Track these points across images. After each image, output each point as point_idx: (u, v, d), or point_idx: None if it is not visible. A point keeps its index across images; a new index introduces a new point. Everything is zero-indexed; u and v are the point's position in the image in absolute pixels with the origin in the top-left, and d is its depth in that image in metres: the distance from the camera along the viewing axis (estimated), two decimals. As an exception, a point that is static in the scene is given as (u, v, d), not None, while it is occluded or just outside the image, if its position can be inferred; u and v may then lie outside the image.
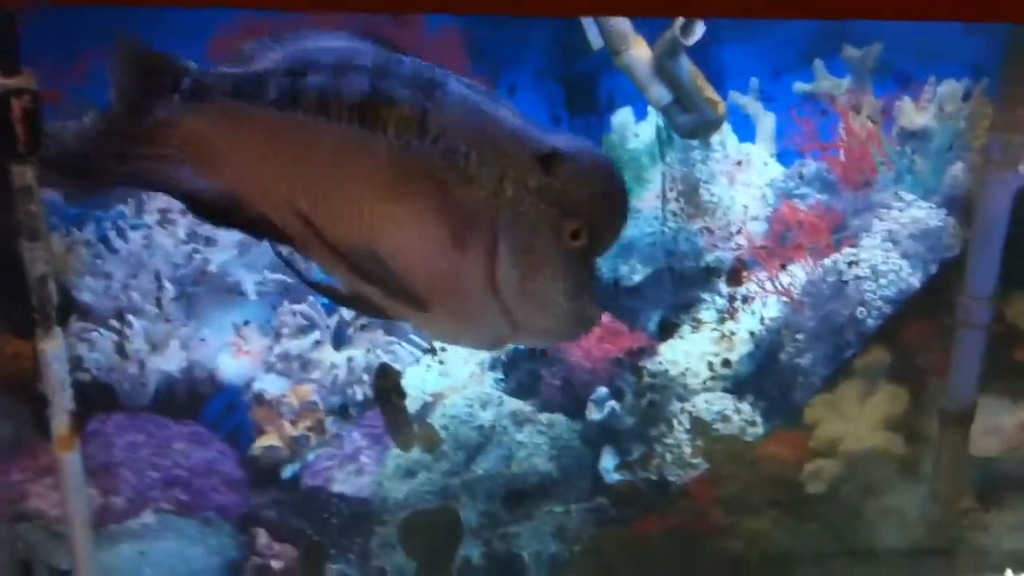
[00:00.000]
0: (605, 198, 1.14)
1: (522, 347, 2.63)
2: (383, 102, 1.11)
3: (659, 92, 2.42)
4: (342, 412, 2.58)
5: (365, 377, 2.54)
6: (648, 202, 2.60)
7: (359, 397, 2.58)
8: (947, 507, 2.80)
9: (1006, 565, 2.74)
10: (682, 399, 2.70)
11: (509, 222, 1.11)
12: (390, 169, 1.11)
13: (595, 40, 2.42)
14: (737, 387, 2.73)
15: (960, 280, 2.59)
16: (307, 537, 2.58)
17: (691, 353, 2.70)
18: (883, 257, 2.59)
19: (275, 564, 2.54)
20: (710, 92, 2.46)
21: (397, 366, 2.48)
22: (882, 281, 2.61)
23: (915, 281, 2.63)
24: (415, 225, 1.12)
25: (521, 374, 2.69)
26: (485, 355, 2.66)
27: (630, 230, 2.60)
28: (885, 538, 2.83)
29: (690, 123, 2.48)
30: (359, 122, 1.11)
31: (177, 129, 1.13)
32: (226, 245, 2.57)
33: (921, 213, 2.59)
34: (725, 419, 2.71)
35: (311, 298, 2.55)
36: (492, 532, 2.67)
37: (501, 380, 2.68)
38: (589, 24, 2.42)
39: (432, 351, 2.60)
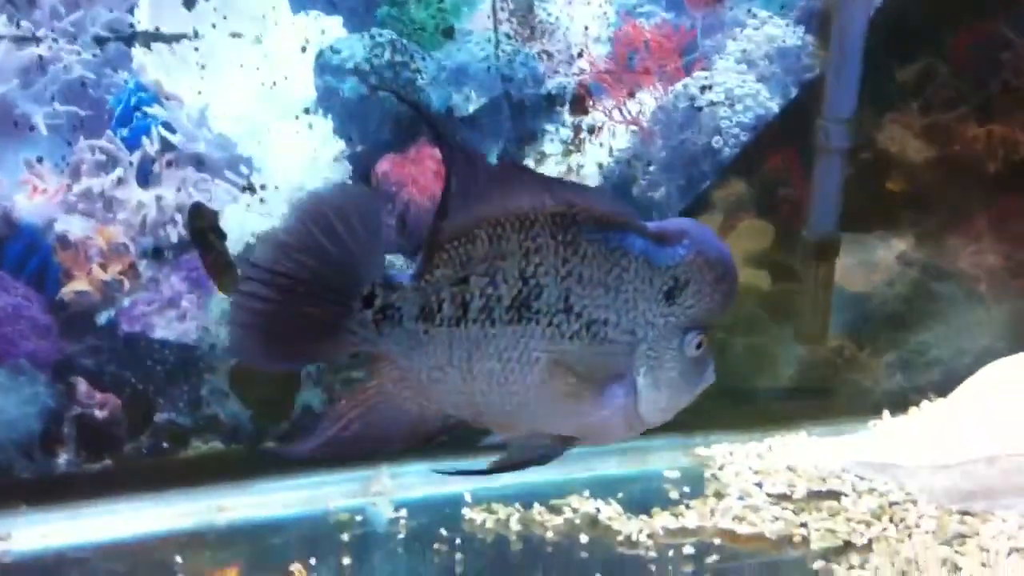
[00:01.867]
0: (724, 299, 1.21)
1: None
2: (535, 296, 1.17)
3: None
4: (156, 255, 2.42)
5: (178, 218, 2.38)
6: (479, 23, 2.40)
7: (173, 239, 2.42)
8: (814, 345, 2.70)
9: (885, 406, 2.67)
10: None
11: (644, 362, 1.21)
12: (545, 355, 1.18)
13: None
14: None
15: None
16: (131, 386, 2.47)
17: (535, 187, 2.52)
18: (738, 80, 2.41)
19: (98, 414, 2.43)
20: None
21: (213, 205, 2.32)
22: (738, 107, 2.44)
23: (774, 106, 2.46)
24: (566, 394, 1.19)
25: (351, 212, 2.51)
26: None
27: (462, 55, 2.40)
28: (755, 379, 2.73)
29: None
30: (516, 321, 1.17)
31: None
32: (6, 74, 2.36)
33: (777, 31, 2.41)
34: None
35: (109, 132, 2.37)
36: (334, 377, 2.56)
37: (331, 219, 2.50)
38: None
39: (251, 189, 2.43)
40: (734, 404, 2.68)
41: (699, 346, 1.21)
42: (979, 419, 2.31)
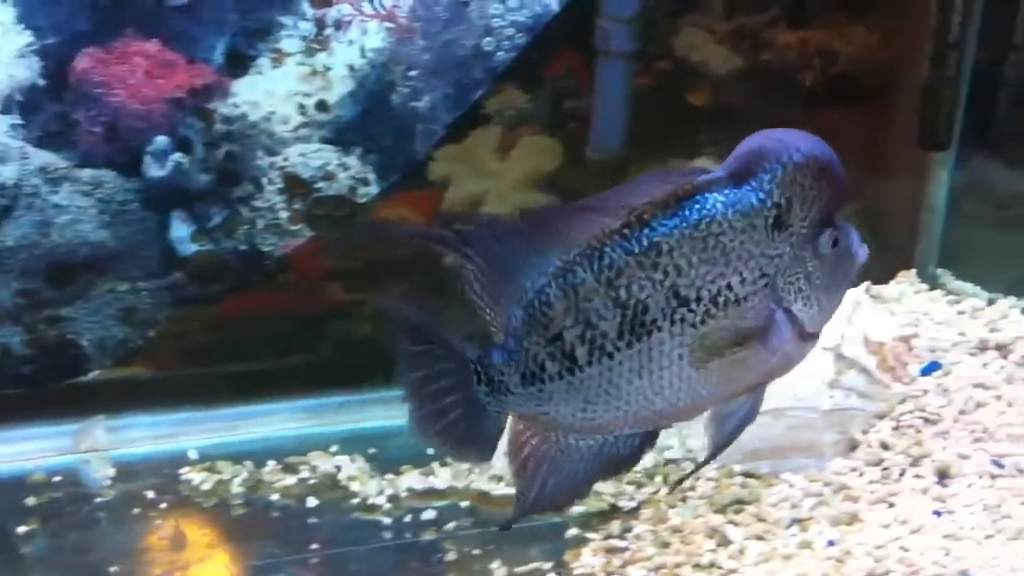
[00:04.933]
0: (834, 188, 1.15)
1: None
2: (641, 313, 1.15)
3: None
4: None
5: None
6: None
7: None
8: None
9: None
10: (270, 151, 2.19)
11: (788, 290, 1.17)
12: (687, 349, 1.16)
13: None
14: (340, 136, 2.23)
15: (600, 0, 2.11)
16: None
17: (274, 93, 2.17)
18: (508, -29, 2.07)
19: None
20: None
21: None
22: (511, 2, 2.10)
23: (553, 2, 2.12)
24: (732, 363, 1.18)
25: (47, 119, 2.12)
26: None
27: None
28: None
29: None
30: (637, 342, 1.16)
31: None
32: None
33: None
34: (329, 176, 2.23)
35: None
36: (35, 315, 2.19)
37: (19, 126, 2.12)
38: None
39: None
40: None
41: (835, 242, 1.17)
42: None
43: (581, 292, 1.14)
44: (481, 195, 2.31)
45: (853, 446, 1.97)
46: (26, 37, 2.05)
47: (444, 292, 2.34)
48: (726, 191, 1.14)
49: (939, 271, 2.52)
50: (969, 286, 2.48)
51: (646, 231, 1.13)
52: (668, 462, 2.03)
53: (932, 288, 2.45)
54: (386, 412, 2.25)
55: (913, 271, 2.48)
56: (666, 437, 2.10)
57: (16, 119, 2.10)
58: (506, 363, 1.17)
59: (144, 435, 2.21)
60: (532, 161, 2.31)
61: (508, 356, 1.17)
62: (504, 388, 1.18)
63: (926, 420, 2.00)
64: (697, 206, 1.14)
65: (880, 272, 2.40)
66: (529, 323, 1.16)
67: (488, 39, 2.12)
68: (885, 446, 1.96)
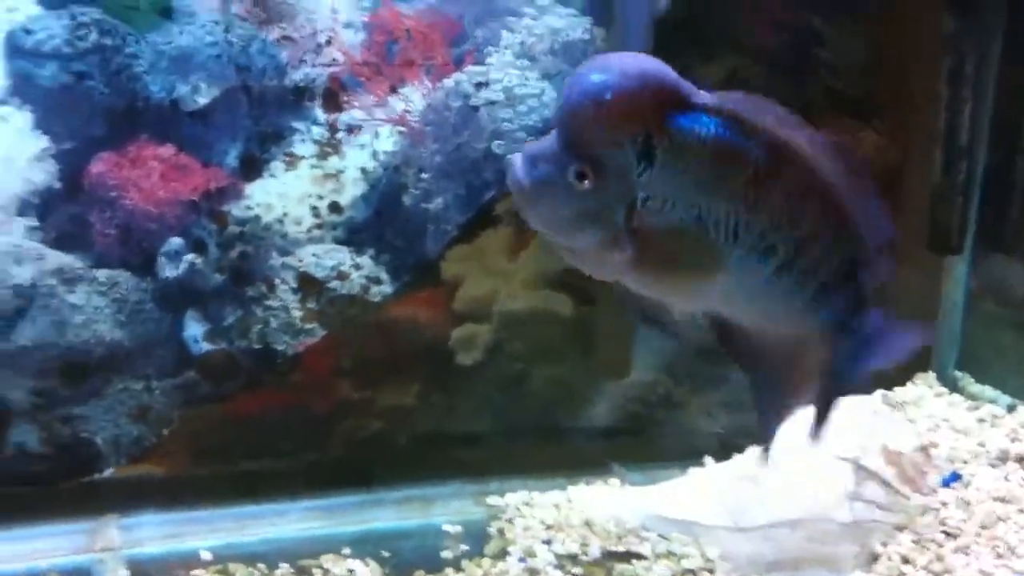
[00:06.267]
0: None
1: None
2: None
3: None
4: None
5: None
6: (205, 2, 2.03)
7: None
8: (619, 378, 2.38)
9: (706, 450, 2.33)
10: (284, 252, 2.20)
11: None
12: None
13: None
14: (353, 237, 2.24)
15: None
16: None
17: (288, 195, 2.19)
18: (519, 78, 2.07)
19: None
20: None
21: None
22: (521, 107, 2.12)
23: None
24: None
25: (63, 220, 2.15)
26: (9, 196, 2.11)
27: (185, 39, 2.03)
28: (555, 415, 2.40)
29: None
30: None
31: None
32: None
33: (560, 23, 2.07)
34: (342, 276, 2.23)
35: None
36: (50, 414, 2.20)
37: (35, 228, 2.15)
38: None
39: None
40: (535, 445, 2.36)
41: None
42: (785, 474, 2.00)
43: None
44: (492, 294, 2.31)
45: (873, 559, 1.93)
46: (43, 142, 2.08)
47: (453, 390, 2.33)
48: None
49: (958, 374, 2.49)
50: (989, 390, 2.44)
51: None
52: (686, 572, 1.99)
53: (951, 391, 2.42)
54: (398, 513, 2.24)
55: (931, 373, 2.45)
56: (684, 545, 2.09)
57: (32, 221, 2.13)
58: None
59: (157, 535, 2.17)
60: (542, 261, 2.30)
61: None
62: None
63: (947, 534, 1.96)
64: None
65: (898, 374, 2.37)
66: None
67: (499, 142, 2.12)
68: (906, 560, 1.91)
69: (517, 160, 1.22)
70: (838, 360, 1.31)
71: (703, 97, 1.19)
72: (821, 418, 1.35)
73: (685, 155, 1.18)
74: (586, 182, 1.19)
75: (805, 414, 1.38)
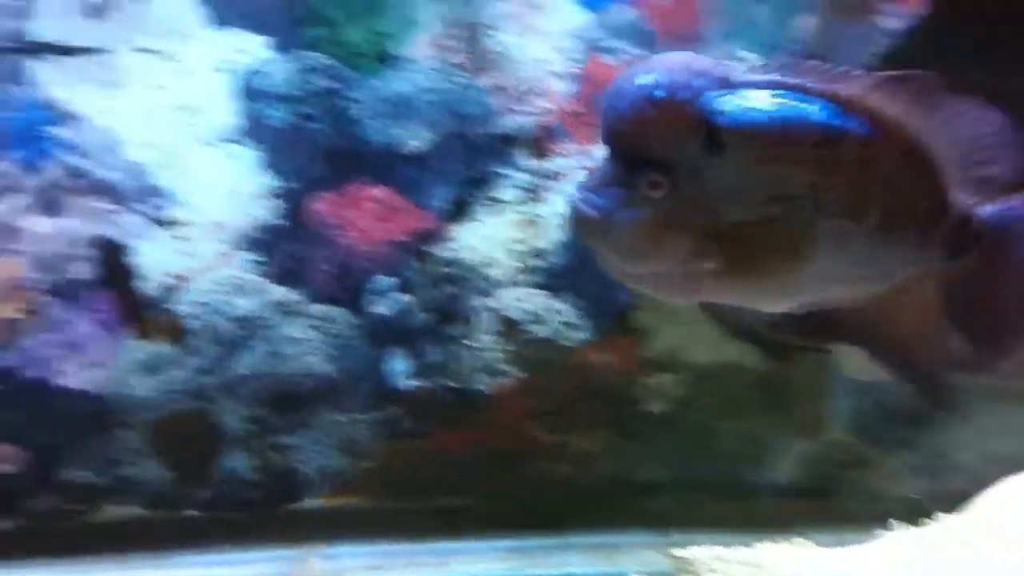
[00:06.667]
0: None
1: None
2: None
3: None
4: (60, 293, 2.20)
5: (86, 252, 2.16)
6: (422, 50, 2.15)
7: (80, 276, 2.21)
8: (812, 437, 2.35)
9: (893, 514, 2.27)
10: (485, 294, 2.28)
11: None
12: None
13: None
14: (552, 282, 2.29)
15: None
16: (34, 438, 2.24)
17: (491, 239, 2.26)
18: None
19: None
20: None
21: (124, 240, 2.11)
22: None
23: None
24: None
25: (283, 257, 2.27)
26: (236, 231, 2.25)
27: (404, 85, 2.15)
28: (741, 471, 2.39)
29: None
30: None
31: None
32: None
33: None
34: (539, 320, 2.29)
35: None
36: (262, 442, 2.31)
37: (260, 263, 2.28)
38: None
39: (166, 223, 2.21)
40: (716, 498, 2.34)
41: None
42: (967, 548, 1.92)
43: None
44: (683, 345, 2.34)
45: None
46: (266, 179, 2.22)
47: (641, 435, 2.32)
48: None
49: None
50: None
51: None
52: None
53: None
54: (585, 558, 2.26)
55: None
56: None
57: (258, 256, 2.28)
58: None
59: (358, 565, 2.23)
60: (735, 313, 2.31)
61: None
62: None
63: None
64: None
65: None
66: None
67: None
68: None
69: (575, 199, 1.21)
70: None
71: (747, 76, 1.16)
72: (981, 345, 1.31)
73: (749, 134, 1.14)
74: (660, 189, 1.16)
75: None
